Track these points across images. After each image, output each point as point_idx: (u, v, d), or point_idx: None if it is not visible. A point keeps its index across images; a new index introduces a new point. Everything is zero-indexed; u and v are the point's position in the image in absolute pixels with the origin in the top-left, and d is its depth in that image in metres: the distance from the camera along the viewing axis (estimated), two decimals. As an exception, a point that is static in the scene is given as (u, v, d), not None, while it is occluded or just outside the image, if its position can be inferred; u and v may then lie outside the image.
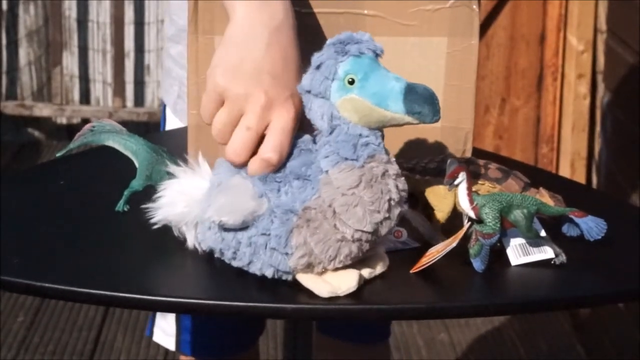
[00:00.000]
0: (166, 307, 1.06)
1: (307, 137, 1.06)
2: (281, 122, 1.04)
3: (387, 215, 1.01)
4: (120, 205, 1.19)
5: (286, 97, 1.05)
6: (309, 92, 1.03)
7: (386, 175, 1.01)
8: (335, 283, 1.01)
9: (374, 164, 1.00)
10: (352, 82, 1.00)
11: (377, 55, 1.02)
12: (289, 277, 1.02)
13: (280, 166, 1.04)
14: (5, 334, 2.82)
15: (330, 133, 1.02)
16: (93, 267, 1.08)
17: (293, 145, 1.05)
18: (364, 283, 1.03)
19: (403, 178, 1.03)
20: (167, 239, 1.15)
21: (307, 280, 1.01)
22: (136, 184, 1.19)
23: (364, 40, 1.02)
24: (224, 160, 1.07)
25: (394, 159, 1.03)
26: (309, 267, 1.02)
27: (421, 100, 0.98)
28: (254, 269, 1.03)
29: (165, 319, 1.69)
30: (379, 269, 1.05)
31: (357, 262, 1.04)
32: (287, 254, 1.01)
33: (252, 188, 1.03)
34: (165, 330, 1.69)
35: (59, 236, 1.14)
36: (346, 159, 1.00)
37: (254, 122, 1.04)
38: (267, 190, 1.02)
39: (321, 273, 1.02)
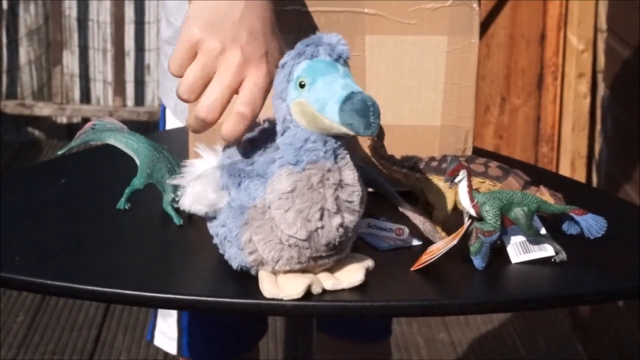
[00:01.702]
0: (166, 304, 1.06)
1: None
2: (254, 79, 1.03)
3: (319, 224, 0.99)
4: (122, 203, 1.20)
5: (261, 55, 1.04)
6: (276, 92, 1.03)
7: (324, 184, 0.99)
8: (281, 286, 1.01)
9: (313, 170, 0.99)
10: (303, 86, 0.99)
11: (338, 58, 0.99)
12: (253, 272, 1.03)
13: (252, 125, 1.04)
14: (6, 333, 2.82)
15: (282, 135, 1.01)
16: (94, 264, 1.08)
17: (266, 141, 1.05)
18: (365, 282, 1.04)
19: (354, 188, 1.00)
20: (168, 237, 1.15)
21: (260, 277, 1.02)
22: (137, 182, 1.19)
23: (324, 42, 0.99)
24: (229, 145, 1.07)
25: (349, 167, 1.00)
26: (261, 265, 1.02)
27: (353, 112, 0.95)
28: (229, 261, 1.05)
29: (166, 322, 1.69)
30: (348, 281, 1.03)
31: (324, 271, 1.03)
32: (241, 249, 1.02)
33: (218, 179, 1.04)
34: (166, 333, 1.69)
35: (60, 234, 1.14)
36: (289, 162, 1.00)
37: (228, 79, 1.03)
38: (229, 183, 1.03)
39: (276, 273, 1.02)
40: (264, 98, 1.04)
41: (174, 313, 1.68)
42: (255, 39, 1.04)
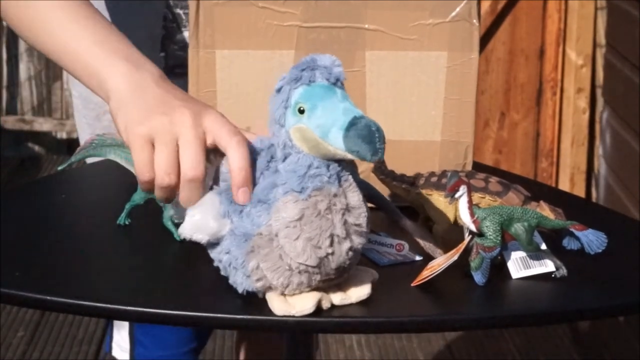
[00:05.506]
0: (167, 320, 1.06)
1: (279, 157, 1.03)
2: (211, 123, 1.04)
3: (330, 250, 0.98)
4: (122, 219, 1.20)
5: (203, 105, 1.07)
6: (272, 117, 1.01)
7: (331, 210, 0.98)
8: (291, 302, 1.00)
9: (319, 197, 0.97)
10: (302, 111, 0.97)
11: (336, 82, 0.98)
12: (260, 295, 1.02)
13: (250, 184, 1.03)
14: (5, 349, 2.82)
15: (283, 161, 1.00)
16: (94, 280, 1.08)
17: (262, 163, 1.03)
18: (368, 297, 1.04)
19: (361, 210, 1.00)
20: (168, 252, 1.15)
21: (269, 297, 1.01)
22: (137, 197, 1.19)
23: (320, 66, 0.98)
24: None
25: (353, 189, 0.99)
26: (270, 289, 1.01)
27: (359, 139, 0.94)
28: (233, 285, 1.03)
29: (120, 334, 1.72)
30: (356, 296, 1.03)
31: (333, 286, 1.03)
32: (248, 276, 1.00)
33: (219, 206, 1.02)
34: (120, 345, 1.73)
35: (60, 249, 1.14)
36: (293, 190, 0.98)
37: (193, 134, 1.03)
38: (230, 210, 1.01)
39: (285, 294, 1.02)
40: (204, 150, 1.04)
41: (126, 325, 1.71)
42: (186, 98, 1.07)
